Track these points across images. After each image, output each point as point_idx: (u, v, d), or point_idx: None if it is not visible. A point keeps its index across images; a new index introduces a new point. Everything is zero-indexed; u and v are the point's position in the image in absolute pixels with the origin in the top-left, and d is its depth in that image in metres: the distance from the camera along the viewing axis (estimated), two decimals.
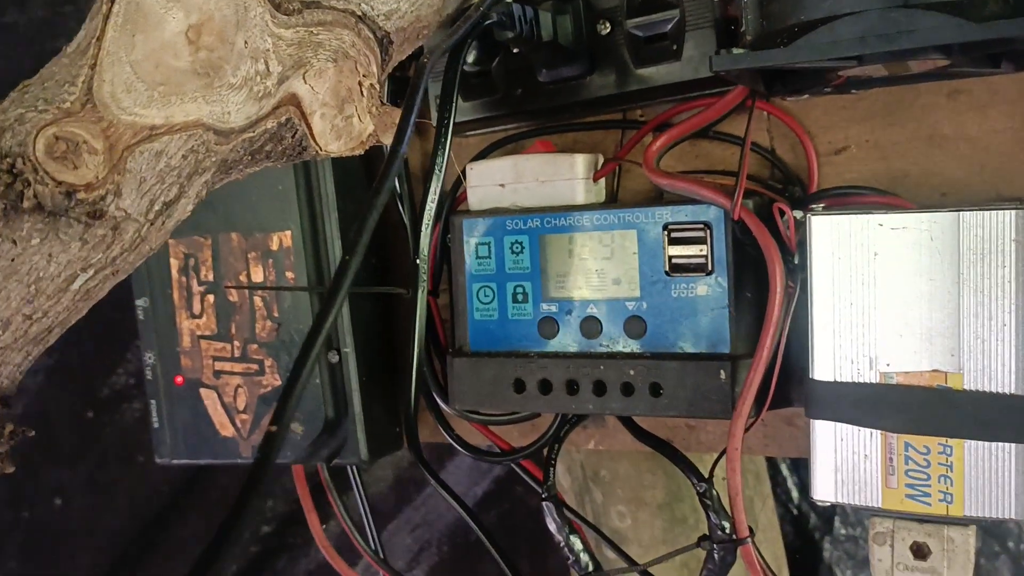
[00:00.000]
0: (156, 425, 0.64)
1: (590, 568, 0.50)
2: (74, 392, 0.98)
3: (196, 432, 0.63)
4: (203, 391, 0.63)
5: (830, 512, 0.87)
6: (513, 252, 0.54)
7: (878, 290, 0.44)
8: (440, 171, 0.43)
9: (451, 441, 0.57)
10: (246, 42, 0.38)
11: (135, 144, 0.36)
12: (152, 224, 0.38)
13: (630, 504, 0.63)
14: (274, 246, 0.59)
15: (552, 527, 0.51)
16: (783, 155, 0.52)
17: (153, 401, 0.64)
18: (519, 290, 0.54)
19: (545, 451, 0.53)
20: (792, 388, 0.50)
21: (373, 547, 0.63)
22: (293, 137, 0.43)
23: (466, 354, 0.55)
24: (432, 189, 0.43)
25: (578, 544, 0.51)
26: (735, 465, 0.47)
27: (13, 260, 0.35)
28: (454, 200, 0.58)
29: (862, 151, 0.50)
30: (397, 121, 0.44)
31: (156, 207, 0.37)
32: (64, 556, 1.02)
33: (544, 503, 0.51)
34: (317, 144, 0.44)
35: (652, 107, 0.54)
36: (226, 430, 0.62)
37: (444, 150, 0.43)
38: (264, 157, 0.43)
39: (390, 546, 1.07)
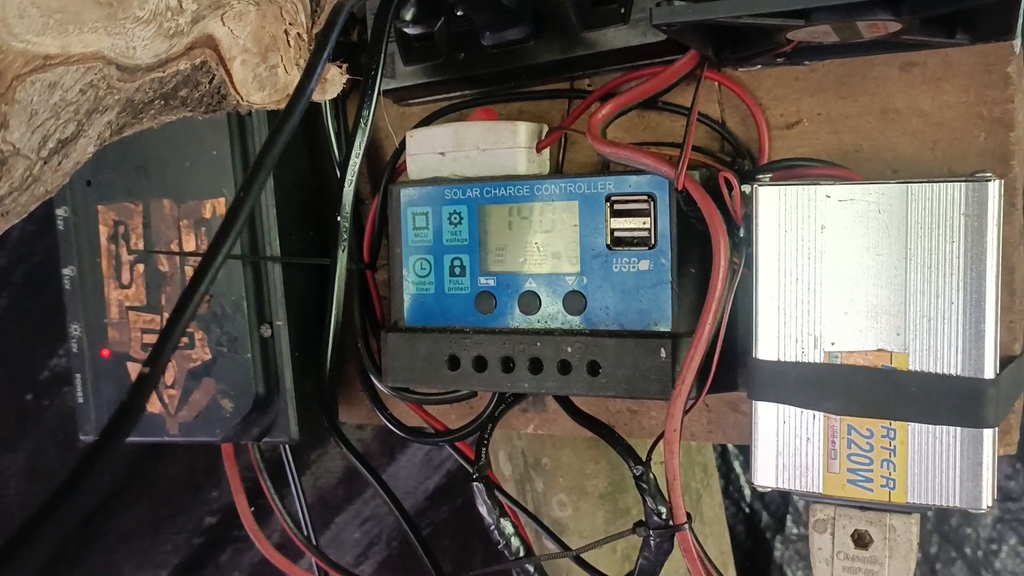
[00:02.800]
0: (81, 400, 0.62)
1: (521, 553, 0.48)
2: (13, 374, 0.95)
3: None
4: (130, 365, 0.60)
5: (782, 511, 0.85)
6: (451, 223, 0.52)
7: (824, 265, 0.42)
8: (366, 124, 0.41)
9: (385, 421, 0.55)
10: None
11: (26, 73, 0.33)
12: (46, 163, 0.35)
13: (571, 493, 0.61)
14: (207, 214, 0.57)
15: (482, 510, 0.48)
16: (734, 128, 0.50)
17: (78, 375, 0.62)
18: (456, 263, 0.52)
19: (478, 432, 0.51)
20: (738, 371, 0.48)
21: (306, 533, 0.60)
22: (211, 83, 0.41)
23: (401, 329, 0.52)
24: (357, 143, 0.41)
25: (509, 527, 0.48)
26: (673, 448, 0.44)
27: None
28: (393, 170, 0.55)
29: (814, 124, 0.48)
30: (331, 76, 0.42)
31: (50, 144, 0.35)
32: None
33: (474, 484, 0.48)
34: (238, 93, 0.42)
35: (600, 76, 0.52)
36: (152, 406, 0.60)
37: (371, 102, 0.41)
38: (179, 103, 0.41)
39: (339, 540, 1.04)
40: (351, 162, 0.42)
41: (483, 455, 0.49)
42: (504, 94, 0.54)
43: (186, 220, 0.58)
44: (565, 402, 0.52)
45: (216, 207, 0.57)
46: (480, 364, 0.50)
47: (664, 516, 0.45)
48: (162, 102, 0.39)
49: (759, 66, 0.47)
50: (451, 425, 0.55)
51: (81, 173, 0.60)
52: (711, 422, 0.53)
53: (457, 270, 0.52)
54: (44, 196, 0.37)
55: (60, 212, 0.61)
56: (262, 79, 0.42)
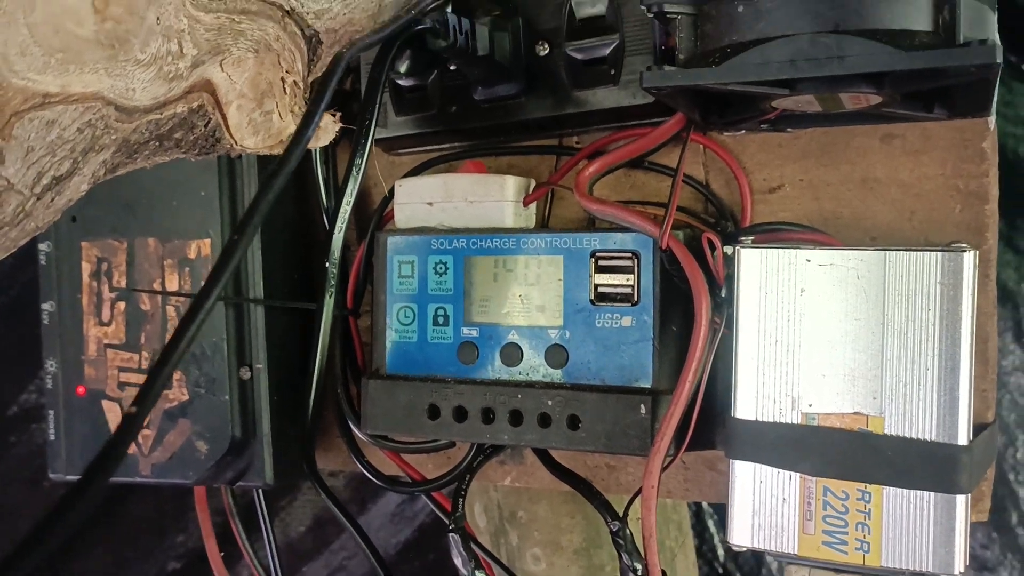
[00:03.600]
0: (52, 437, 0.61)
1: None
2: None
3: (94, 447, 0.60)
4: (105, 403, 0.60)
5: (755, 572, 0.85)
6: (437, 272, 0.52)
7: (804, 328, 0.43)
8: (358, 173, 0.42)
9: (362, 468, 0.55)
10: (158, 18, 0.36)
11: (25, 110, 0.33)
12: (39, 199, 0.35)
13: (546, 548, 0.61)
14: (192, 254, 0.57)
15: (458, 561, 0.48)
16: (718, 190, 0.51)
17: (51, 412, 0.61)
18: (440, 312, 0.52)
19: (456, 482, 0.51)
20: (715, 430, 0.48)
21: None
22: (206, 126, 0.41)
23: (382, 377, 0.52)
24: (348, 191, 0.42)
25: None
26: (650, 504, 0.44)
27: None
28: (381, 218, 0.56)
29: (796, 190, 0.49)
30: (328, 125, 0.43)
31: (44, 180, 0.35)
32: None
33: (451, 535, 0.48)
34: (232, 137, 0.42)
35: (588, 135, 0.53)
36: None
37: (364, 151, 0.42)
38: (174, 145, 0.41)
39: None
40: (342, 210, 0.42)
41: (460, 506, 0.49)
42: (493, 148, 0.55)
43: (170, 259, 0.58)
44: (544, 455, 0.52)
45: (201, 247, 0.57)
46: (460, 415, 0.50)
47: (640, 573, 0.45)
48: (157, 143, 0.39)
49: (744, 131, 0.48)
50: (428, 475, 0.55)
51: (67, 209, 0.60)
52: (687, 480, 0.53)
53: (441, 319, 0.52)
54: (34, 232, 0.37)
55: (43, 247, 0.61)
56: (257, 124, 0.42)
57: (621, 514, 0.47)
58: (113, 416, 0.59)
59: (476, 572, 0.48)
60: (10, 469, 0.96)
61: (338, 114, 0.44)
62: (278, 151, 0.43)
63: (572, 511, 0.60)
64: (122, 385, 0.59)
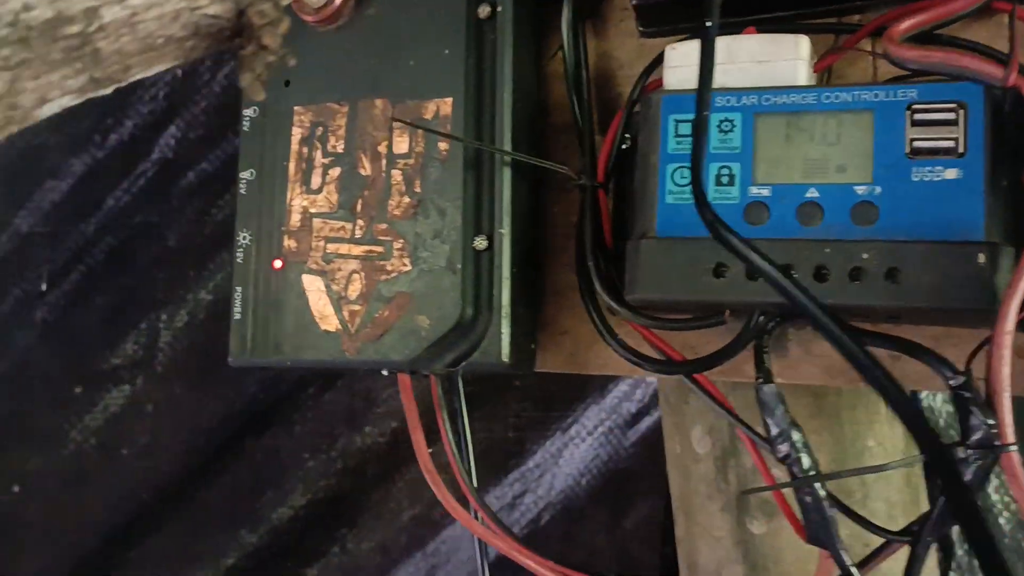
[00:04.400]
0: (238, 316, 0.55)
1: (813, 470, 0.42)
2: (66, 360, 0.86)
3: (289, 325, 0.54)
4: (306, 277, 0.54)
5: None
6: (721, 131, 0.48)
7: None
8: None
9: (613, 345, 0.49)
10: None
11: None
12: None
13: (784, 468, 0.55)
14: (428, 114, 0.53)
15: (775, 414, 0.42)
16: None
17: (239, 288, 0.55)
18: (724, 172, 0.48)
19: (755, 344, 0.46)
20: None
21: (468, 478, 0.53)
22: None
23: (652, 238, 0.48)
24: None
25: (799, 439, 0.43)
26: (1003, 353, 0.40)
27: None
28: (643, 89, 0.52)
29: None
30: None
31: None
32: (5, 557, 0.86)
33: (763, 387, 0.43)
34: None
35: (871, 13, 0.51)
36: (328, 323, 0.53)
37: None
38: None
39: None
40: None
41: (764, 360, 0.44)
42: (765, 24, 0.52)
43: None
44: (840, 323, 0.47)
45: (441, 107, 0.53)
46: (753, 272, 0.45)
47: (988, 431, 0.40)
48: None
49: None
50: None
51: (280, 73, 0.56)
52: None
53: (725, 179, 0.48)
54: None
55: (248, 112, 0.56)
56: None
57: (964, 368, 0.42)
58: (314, 291, 0.54)
59: (792, 429, 0.42)
60: (87, 432, 0.87)
61: None
62: None
63: (818, 427, 0.55)
64: (328, 257, 0.54)
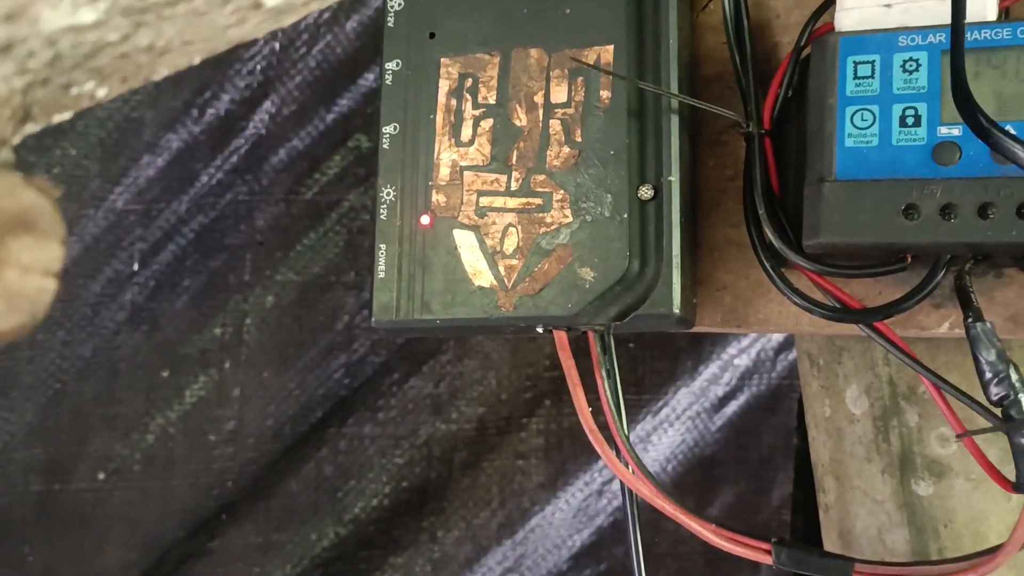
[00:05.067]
0: (382, 275, 0.53)
1: None
2: (153, 343, 0.84)
3: (439, 282, 0.52)
4: (458, 232, 0.52)
5: None
6: (906, 71, 0.47)
7: None
8: None
9: (788, 293, 0.48)
10: None
11: None
12: None
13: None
14: (589, 61, 0.51)
15: (989, 354, 0.41)
16: None
17: (383, 246, 0.53)
18: (909, 112, 0.46)
19: (956, 283, 0.44)
20: None
21: (625, 435, 0.51)
22: None
23: (833, 181, 0.46)
24: None
25: (1017, 377, 0.41)
26: None
27: None
28: (810, 35, 0.51)
29: None
30: None
31: None
32: (90, 547, 0.83)
33: (977, 325, 0.41)
34: None
35: None
36: (481, 278, 0.51)
37: None
38: None
39: None
40: None
41: (971, 300, 0.43)
42: None
43: (558, 70, 0.52)
44: None
45: (602, 55, 0.51)
46: (947, 211, 0.44)
47: None
48: None
49: None
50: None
51: (423, 25, 0.55)
52: None
53: (910, 120, 0.46)
54: None
55: (390, 66, 0.55)
56: None
57: None
58: (466, 246, 0.52)
59: (1011, 368, 0.41)
60: (172, 418, 0.85)
61: None
62: None
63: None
64: (481, 211, 0.52)
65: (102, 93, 0.23)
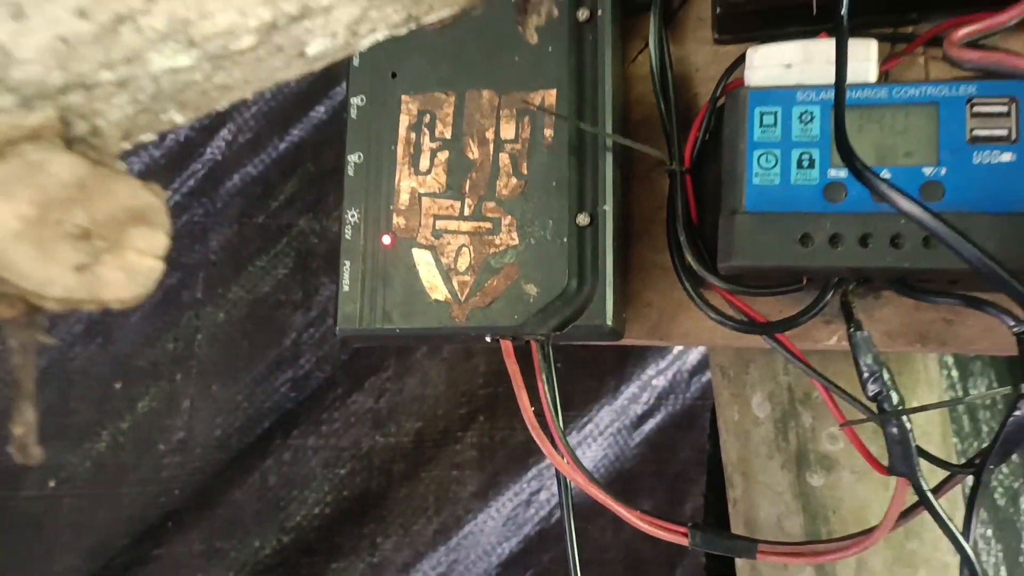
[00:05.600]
0: (347, 288, 0.59)
1: (900, 406, 0.48)
2: (108, 353, 0.87)
3: (399, 295, 0.58)
4: (416, 251, 0.59)
5: None
6: (802, 121, 0.55)
7: None
8: None
9: (706, 310, 0.55)
10: None
11: None
12: None
13: None
14: (535, 103, 0.58)
15: (866, 358, 0.49)
16: None
17: (347, 262, 0.59)
18: (805, 156, 0.55)
19: (841, 301, 0.52)
20: None
21: (561, 430, 0.58)
22: None
23: (743, 213, 0.54)
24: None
25: (888, 376, 0.49)
26: None
27: None
28: (724, 87, 0.59)
29: None
30: None
31: None
32: (39, 553, 0.86)
33: (857, 333, 0.49)
34: None
35: (923, 24, 0.59)
36: (438, 292, 0.58)
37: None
38: None
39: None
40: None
41: (854, 313, 0.51)
42: (827, 29, 0.60)
43: (507, 110, 0.59)
44: (907, 287, 0.54)
45: (546, 97, 0.58)
46: (835, 240, 0.52)
47: None
48: None
49: None
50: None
51: (386, 65, 0.61)
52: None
53: (806, 163, 0.54)
54: None
55: (355, 101, 0.61)
56: None
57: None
58: (424, 264, 0.58)
59: (884, 368, 0.49)
60: (124, 429, 0.89)
61: None
62: None
63: None
64: (438, 233, 0.59)
65: (180, 120, 0.29)
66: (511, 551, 1.01)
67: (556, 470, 0.58)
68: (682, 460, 1.07)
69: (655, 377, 1.07)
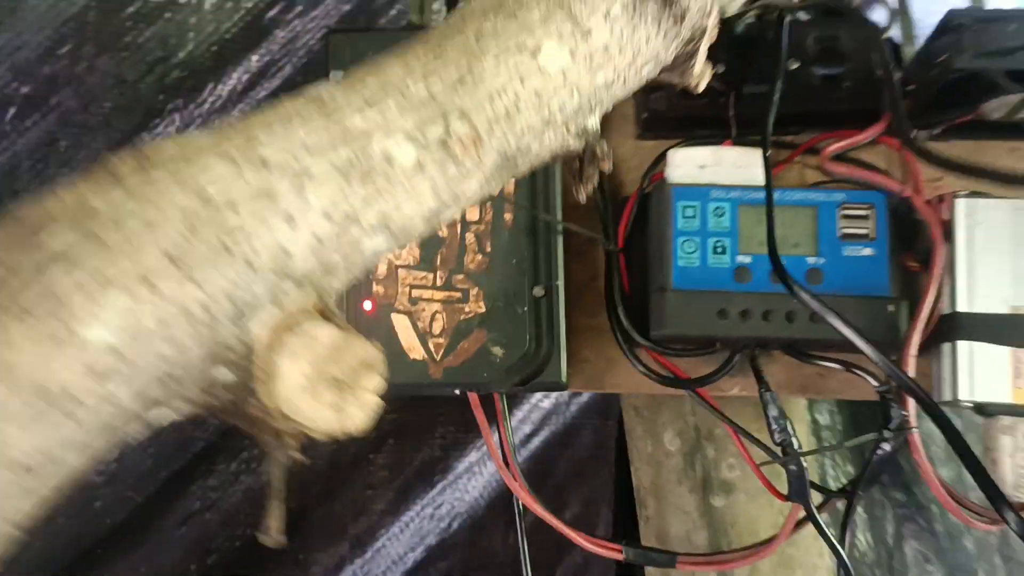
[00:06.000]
0: None
1: (799, 449, 0.62)
2: None
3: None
4: (395, 316, 0.68)
5: None
6: (716, 215, 0.69)
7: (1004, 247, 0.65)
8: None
9: (640, 368, 0.68)
10: None
11: None
12: None
13: (740, 457, 0.75)
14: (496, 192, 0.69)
15: (775, 412, 0.62)
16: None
17: None
18: (719, 244, 0.68)
19: (751, 364, 0.66)
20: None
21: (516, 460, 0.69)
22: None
23: (671, 291, 0.67)
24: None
25: (790, 426, 0.63)
26: (909, 360, 0.63)
27: None
28: (648, 180, 0.72)
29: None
30: None
31: None
32: None
33: (767, 393, 0.63)
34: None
35: (801, 135, 0.74)
36: (415, 353, 0.67)
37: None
38: None
39: None
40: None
41: (763, 375, 0.64)
42: (720, 137, 0.74)
43: None
44: (794, 351, 0.68)
45: (506, 186, 0.69)
46: (745, 315, 0.66)
47: (902, 420, 0.63)
48: None
49: (935, 132, 0.71)
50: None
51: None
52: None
53: (720, 249, 0.68)
54: None
55: None
56: None
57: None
58: (402, 327, 0.68)
59: (787, 420, 0.63)
60: None
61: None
62: None
63: (762, 427, 0.75)
64: (414, 300, 0.68)
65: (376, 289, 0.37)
66: (415, 560, 1.11)
67: (514, 495, 0.69)
68: (561, 475, 1.21)
69: (540, 400, 1.19)
